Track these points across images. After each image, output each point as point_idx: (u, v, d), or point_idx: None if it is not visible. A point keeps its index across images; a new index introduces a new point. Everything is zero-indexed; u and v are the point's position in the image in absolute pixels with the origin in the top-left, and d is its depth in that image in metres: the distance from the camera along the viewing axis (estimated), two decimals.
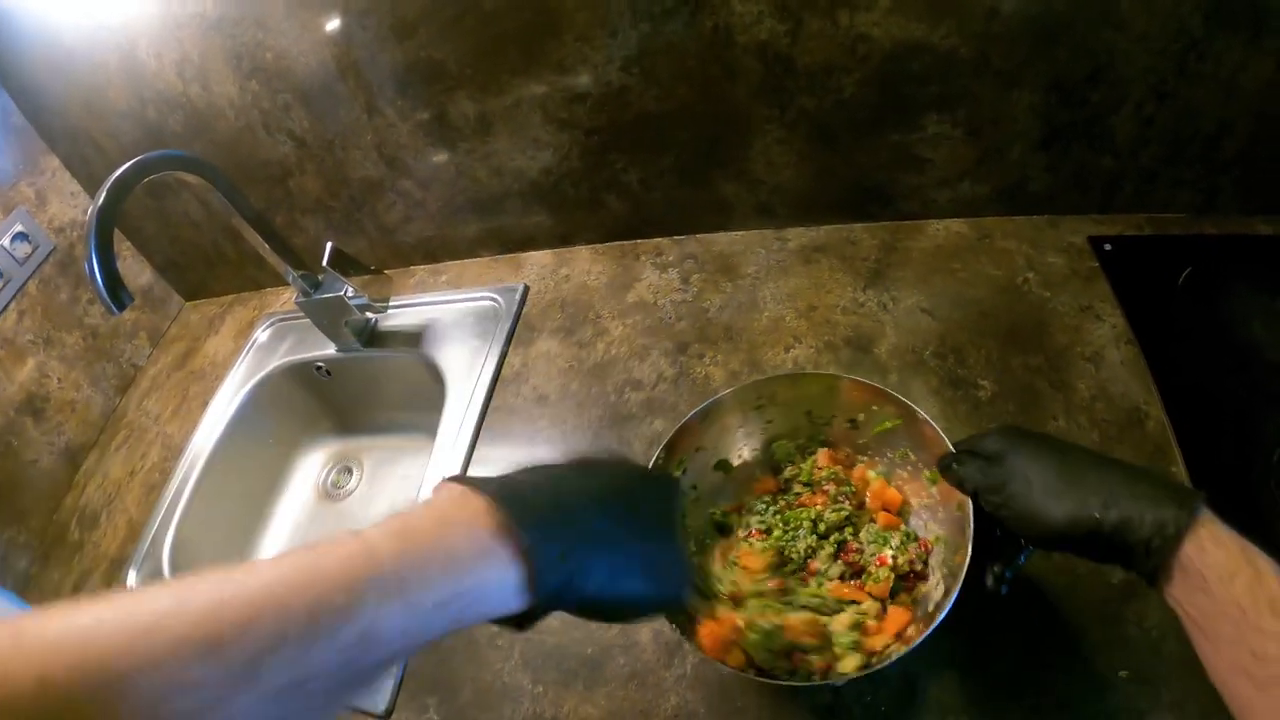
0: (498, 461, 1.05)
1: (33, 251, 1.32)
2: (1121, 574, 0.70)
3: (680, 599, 0.58)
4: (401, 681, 0.86)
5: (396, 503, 1.19)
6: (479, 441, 1.07)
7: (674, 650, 0.80)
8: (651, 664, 0.80)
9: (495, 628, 0.84)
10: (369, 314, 1.28)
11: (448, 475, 0.47)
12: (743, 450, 0.86)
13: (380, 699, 0.85)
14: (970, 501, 0.65)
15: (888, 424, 0.78)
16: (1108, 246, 1.01)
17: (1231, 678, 0.45)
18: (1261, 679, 0.43)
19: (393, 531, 0.40)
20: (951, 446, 0.69)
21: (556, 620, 0.83)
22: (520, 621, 0.46)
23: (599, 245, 1.31)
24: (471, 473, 1.04)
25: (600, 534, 0.48)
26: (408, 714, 0.84)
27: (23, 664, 0.29)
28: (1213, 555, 0.46)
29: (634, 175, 1.17)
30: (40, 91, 1.29)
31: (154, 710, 0.31)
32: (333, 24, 1.06)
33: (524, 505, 0.44)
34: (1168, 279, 0.95)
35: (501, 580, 0.42)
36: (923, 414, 0.74)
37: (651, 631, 0.81)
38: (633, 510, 0.52)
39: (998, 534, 0.63)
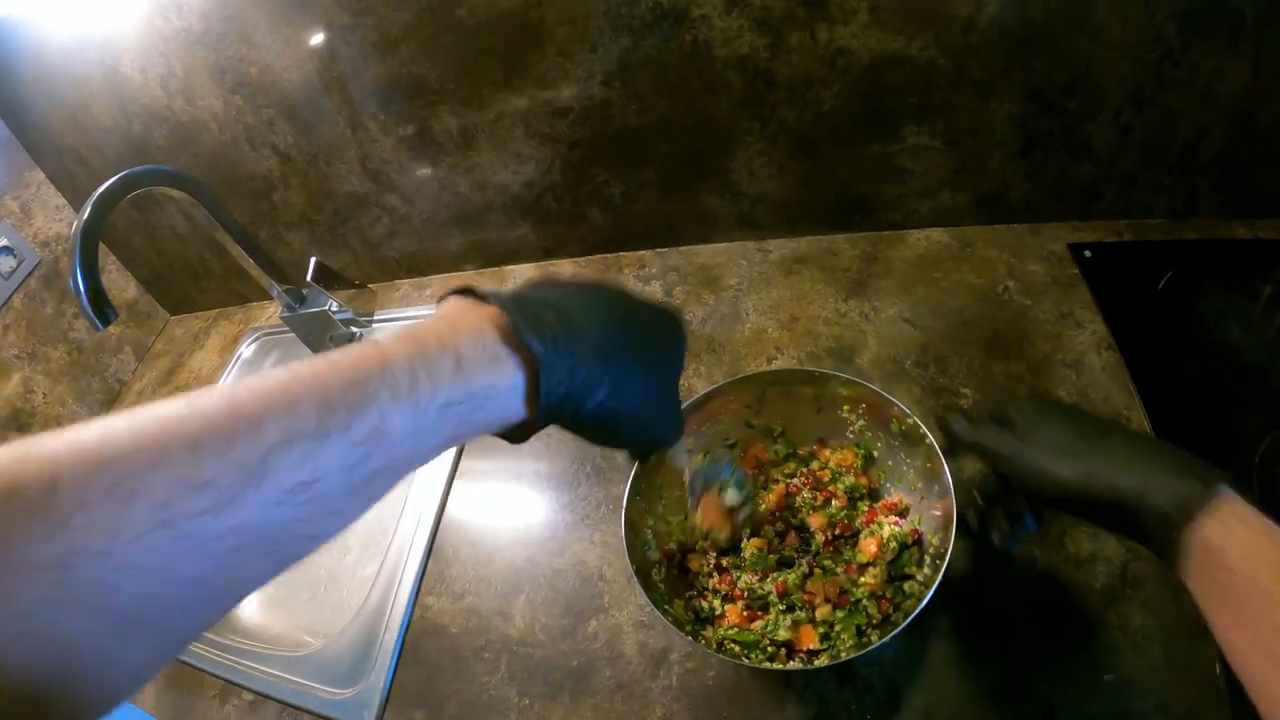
0: (483, 475, 1.05)
1: (18, 265, 1.32)
2: (1104, 578, 0.72)
3: (670, 437, 0.57)
4: (388, 696, 0.86)
5: (384, 514, 1.18)
6: (464, 455, 1.07)
7: (659, 661, 0.80)
8: (637, 675, 0.80)
9: (482, 641, 0.85)
10: (354, 328, 1.28)
11: (454, 287, 0.46)
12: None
13: (368, 714, 0.85)
14: (944, 460, 0.67)
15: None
16: (1087, 253, 1.02)
17: (1251, 655, 0.44)
18: None
19: (404, 338, 0.40)
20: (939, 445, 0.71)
21: (542, 633, 0.84)
22: (519, 434, 0.46)
23: (582, 258, 1.31)
24: (457, 487, 1.04)
25: (608, 349, 0.47)
26: None
27: (33, 472, 0.29)
28: (1236, 533, 0.46)
29: (616, 188, 1.18)
30: (25, 106, 1.29)
31: (165, 509, 0.30)
32: (316, 39, 1.07)
33: (532, 316, 0.44)
34: (1147, 284, 0.96)
35: (509, 385, 0.42)
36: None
37: (637, 644, 0.82)
38: (640, 334, 0.51)
39: (999, 490, 0.64)
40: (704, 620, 0.76)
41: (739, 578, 0.78)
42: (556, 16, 0.97)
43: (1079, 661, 0.69)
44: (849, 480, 0.81)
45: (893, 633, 0.63)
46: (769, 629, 0.73)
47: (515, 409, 0.43)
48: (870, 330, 1.02)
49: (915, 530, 0.76)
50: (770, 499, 0.82)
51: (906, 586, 0.73)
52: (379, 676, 0.88)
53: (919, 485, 0.77)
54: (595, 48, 0.99)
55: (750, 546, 0.79)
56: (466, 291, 0.45)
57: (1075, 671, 0.68)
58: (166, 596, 0.31)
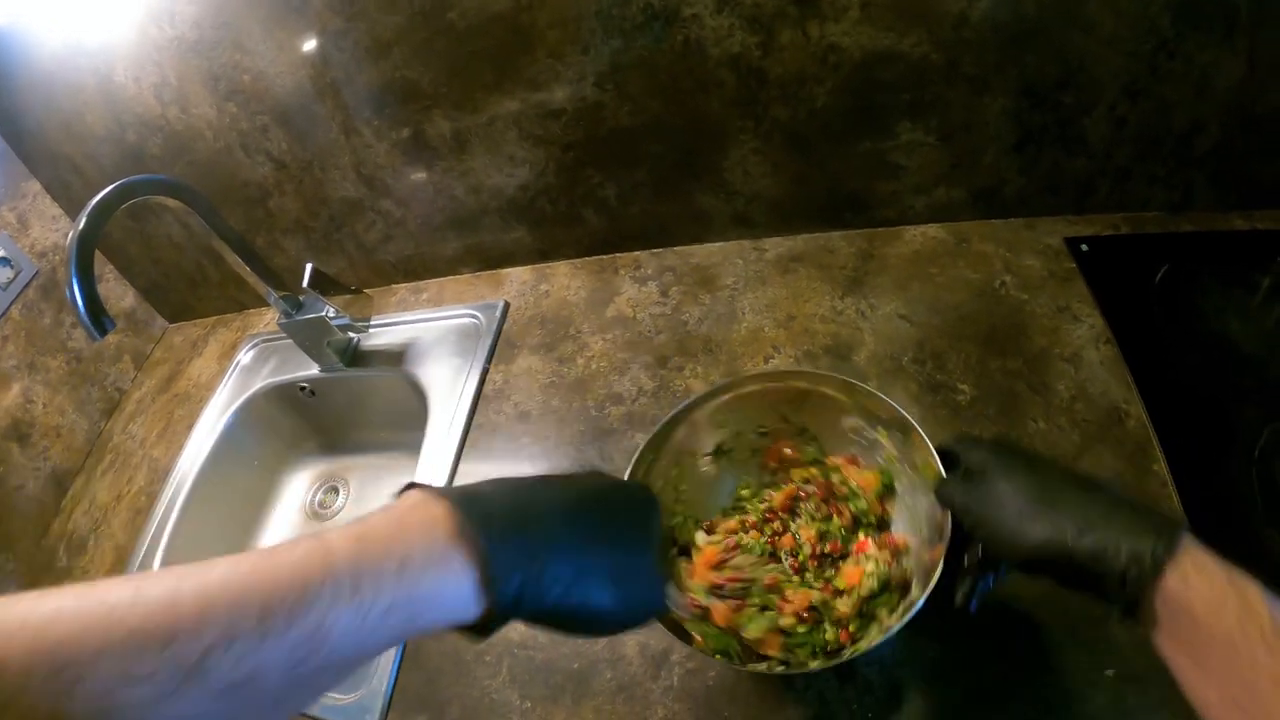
0: (481, 478, 1.04)
1: (15, 276, 1.32)
2: None
3: (652, 610, 0.56)
4: (390, 700, 0.86)
5: None
6: (462, 458, 1.07)
7: (660, 662, 0.80)
8: (638, 676, 0.79)
9: (483, 645, 0.85)
10: (351, 334, 1.28)
11: (409, 482, 0.47)
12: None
13: (370, 717, 0.85)
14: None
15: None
16: (1084, 247, 1.01)
17: (1223, 711, 0.43)
18: (1255, 713, 0.41)
19: (350, 534, 0.40)
20: (935, 450, 0.69)
21: (544, 636, 0.84)
22: (478, 630, 0.45)
23: (578, 260, 1.31)
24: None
25: (563, 540, 0.47)
26: None
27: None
28: (1198, 587, 0.45)
29: (611, 189, 1.18)
30: (19, 116, 1.29)
31: (106, 699, 0.31)
32: (309, 45, 1.07)
33: (483, 511, 0.44)
34: (1145, 277, 0.96)
35: (456, 586, 0.42)
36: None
37: (638, 645, 0.81)
38: (601, 519, 0.51)
39: (976, 552, 0.62)
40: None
41: (733, 560, 0.77)
42: (547, 19, 0.97)
43: (1080, 658, 0.68)
44: (861, 504, 0.78)
45: (828, 664, 0.65)
46: (743, 624, 0.71)
47: (465, 610, 0.43)
48: (867, 327, 1.02)
49: (905, 578, 0.72)
50: (777, 497, 0.81)
51: (871, 628, 0.70)
52: (381, 681, 0.88)
53: (925, 531, 0.73)
54: (587, 49, 0.99)
55: (751, 537, 0.79)
56: (422, 488, 0.46)
57: (1076, 668, 0.68)
58: None
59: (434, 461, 1.07)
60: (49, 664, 0.31)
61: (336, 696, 0.88)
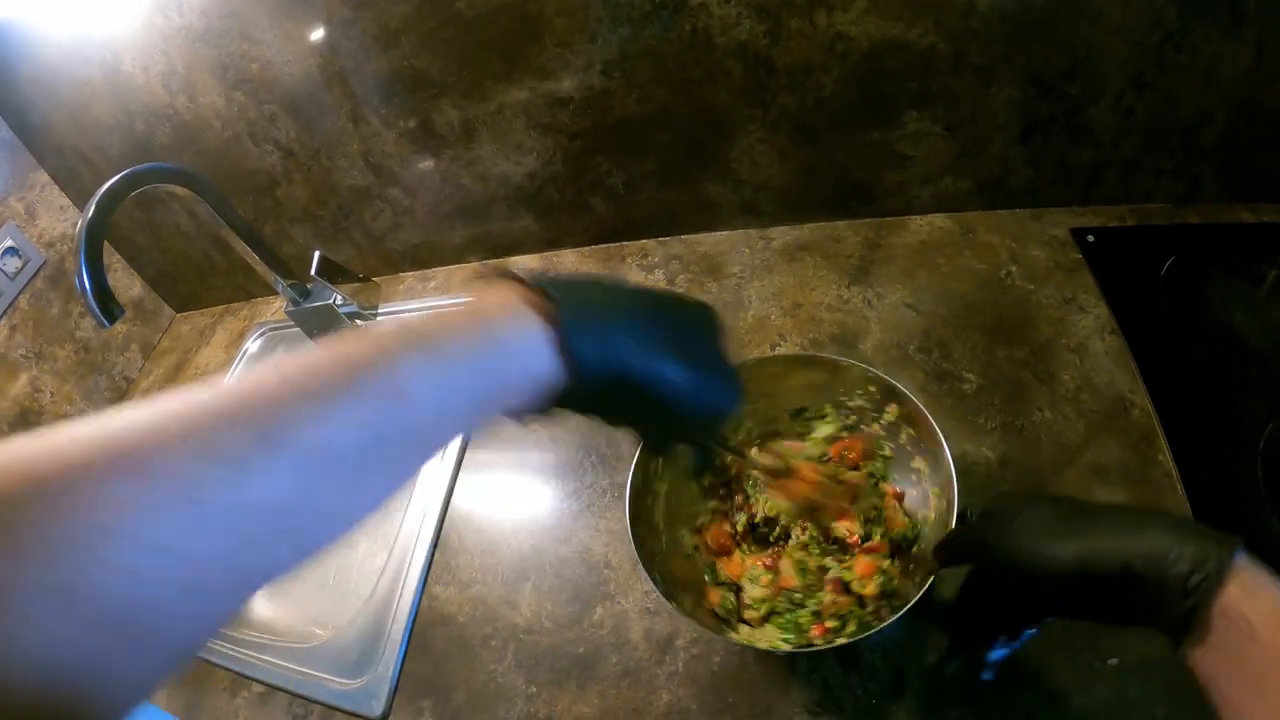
0: (488, 467, 1.05)
1: (23, 266, 1.33)
2: None
3: (727, 399, 0.52)
4: (397, 685, 0.87)
5: (391, 506, 1.19)
6: (468, 446, 1.08)
7: (665, 647, 0.80)
8: (644, 661, 0.80)
9: (489, 629, 0.85)
10: (359, 321, 1.28)
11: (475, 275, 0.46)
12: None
13: (376, 704, 0.85)
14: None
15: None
16: (1090, 238, 1.01)
17: None
18: None
19: (426, 314, 0.40)
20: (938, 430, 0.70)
21: (549, 621, 0.84)
22: (551, 401, 0.44)
23: (585, 248, 1.31)
24: (462, 478, 1.04)
25: (631, 313, 0.45)
26: (403, 717, 0.84)
27: (50, 455, 0.28)
28: (1259, 599, 0.41)
29: (618, 178, 1.18)
30: (27, 106, 1.30)
31: (182, 482, 0.30)
32: (317, 34, 1.07)
33: (552, 284, 0.43)
34: (1151, 269, 0.96)
35: (536, 342, 0.41)
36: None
37: (643, 630, 0.82)
38: (668, 307, 0.50)
39: (989, 615, 0.58)
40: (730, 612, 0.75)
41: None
42: (555, 7, 0.97)
43: (1083, 647, 0.68)
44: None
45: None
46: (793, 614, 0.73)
47: (545, 362, 0.41)
48: (873, 316, 1.02)
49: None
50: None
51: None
52: (387, 666, 0.88)
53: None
54: (594, 38, 0.99)
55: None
56: (489, 274, 0.45)
57: (1079, 657, 0.68)
58: (183, 583, 0.30)
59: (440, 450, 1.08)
60: (125, 457, 0.29)
61: (343, 682, 0.89)
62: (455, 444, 1.08)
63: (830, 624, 0.71)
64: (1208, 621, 0.42)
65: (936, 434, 0.71)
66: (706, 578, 0.78)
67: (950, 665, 0.62)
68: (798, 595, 0.74)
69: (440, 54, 1.05)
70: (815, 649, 0.70)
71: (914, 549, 0.73)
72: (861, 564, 0.74)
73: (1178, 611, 0.43)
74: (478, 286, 0.44)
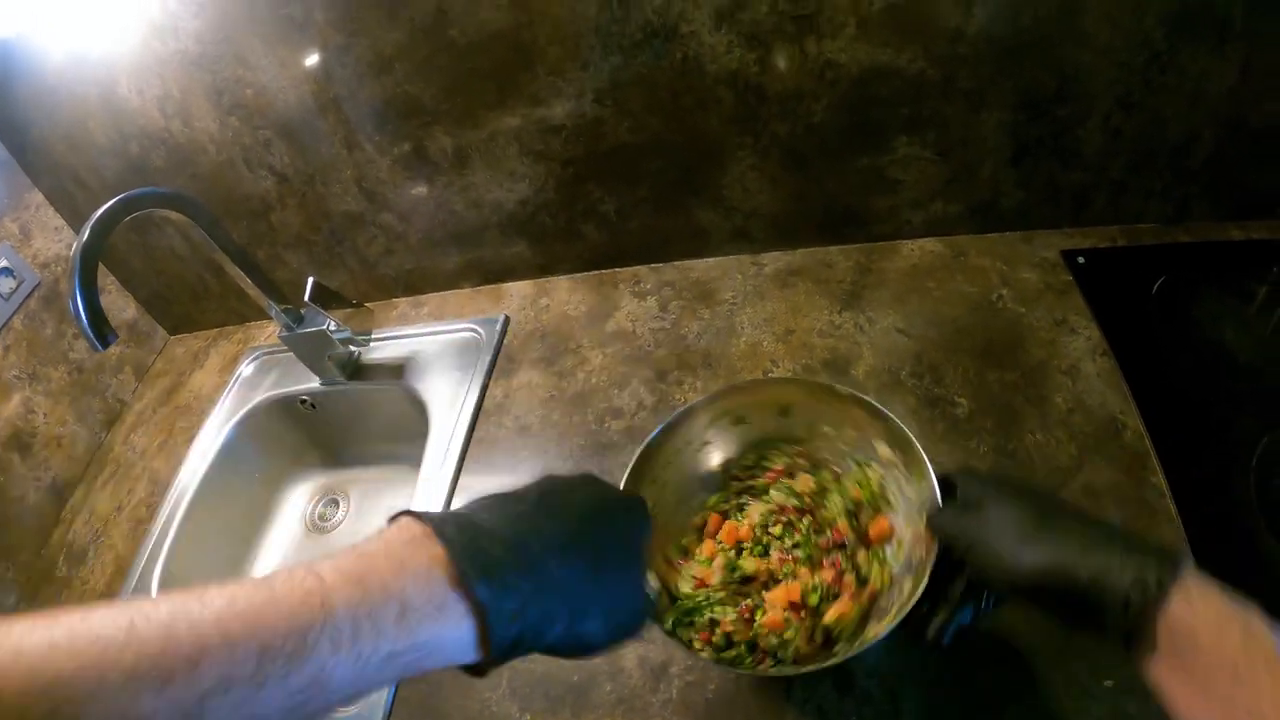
0: (481, 492, 1.04)
1: (17, 286, 1.32)
2: None
3: (638, 630, 0.56)
4: (390, 713, 0.86)
5: None
6: (463, 472, 1.07)
7: (659, 675, 0.80)
8: (638, 689, 0.80)
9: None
10: (352, 347, 1.29)
11: (403, 509, 0.46)
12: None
13: None
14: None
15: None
16: (1081, 259, 1.02)
17: None
18: None
19: (347, 574, 0.40)
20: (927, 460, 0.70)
21: None
22: (476, 670, 0.45)
23: (578, 275, 1.31)
24: (456, 500, 1.04)
25: (559, 582, 0.47)
26: None
27: None
28: (1202, 612, 0.44)
29: (610, 205, 1.18)
30: (23, 127, 1.30)
31: None
32: (311, 60, 1.08)
33: (481, 555, 0.43)
34: (1141, 289, 0.97)
35: (456, 634, 0.42)
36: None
37: (638, 658, 0.82)
38: (597, 546, 0.51)
39: (959, 585, 0.62)
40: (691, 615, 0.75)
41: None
42: (548, 36, 0.98)
43: (1078, 667, 0.68)
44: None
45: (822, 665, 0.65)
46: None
47: (464, 654, 0.43)
48: (865, 341, 1.02)
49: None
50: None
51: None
52: (380, 694, 0.88)
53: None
54: (586, 66, 1.00)
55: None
56: (418, 517, 0.45)
57: (1075, 678, 0.68)
58: None
59: (434, 475, 1.08)
60: (45, 703, 0.30)
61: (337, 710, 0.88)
62: (450, 471, 1.07)
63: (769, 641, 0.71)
64: (1154, 634, 0.45)
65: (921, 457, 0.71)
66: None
67: (930, 628, 0.63)
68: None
69: (433, 81, 1.06)
70: (808, 669, 0.69)
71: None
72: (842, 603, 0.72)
73: (1120, 625, 0.46)
74: (399, 543, 0.43)
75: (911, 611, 0.62)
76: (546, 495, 0.52)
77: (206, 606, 0.36)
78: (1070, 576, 0.49)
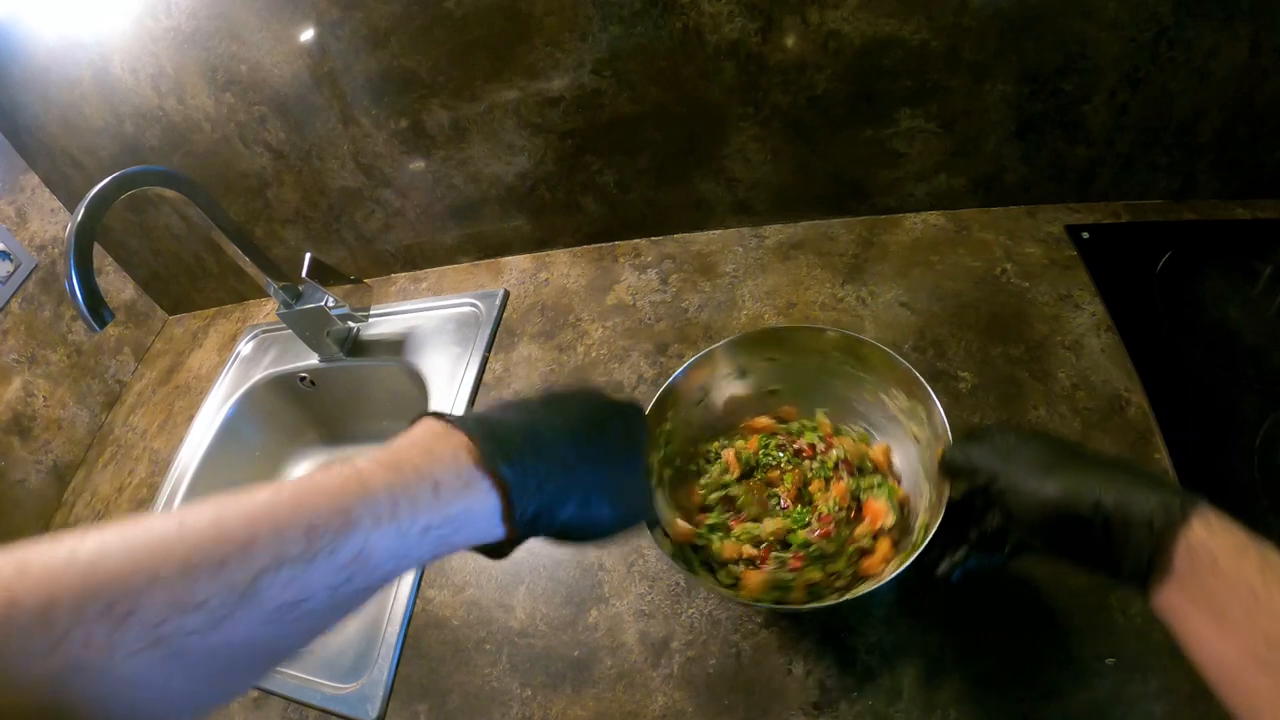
0: None
1: (14, 269, 1.32)
2: None
3: (642, 519, 0.62)
4: (392, 689, 0.86)
5: None
6: None
7: (661, 650, 0.80)
8: (639, 664, 0.80)
9: (483, 633, 0.85)
10: (351, 323, 1.28)
11: (426, 410, 0.50)
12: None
13: (371, 708, 0.85)
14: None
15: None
16: (1085, 235, 1.01)
17: (1241, 668, 0.42)
18: (1275, 665, 0.40)
19: (382, 463, 0.43)
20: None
21: (544, 624, 0.84)
22: (498, 550, 0.49)
23: (577, 248, 1.31)
24: None
25: (571, 466, 0.50)
26: None
27: (31, 587, 0.30)
28: (1222, 536, 0.45)
29: (610, 177, 1.17)
30: (16, 109, 1.29)
31: (159, 629, 0.32)
32: (306, 35, 1.06)
33: (501, 441, 0.47)
34: (1146, 266, 0.96)
35: (483, 507, 0.45)
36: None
37: (638, 633, 0.82)
38: (601, 441, 0.54)
39: (974, 531, 0.63)
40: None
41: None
42: (545, 6, 0.97)
43: (1080, 646, 0.68)
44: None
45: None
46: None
47: (492, 529, 0.46)
48: (867, 315, 1.01)
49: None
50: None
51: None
52: (382, 670, 0.88)
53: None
54: (585, 36, 0.99)
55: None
56: (439, 416, 0.49)
57: (1077, 656, 0.68)
58: (156, 706, 0.33)
59: None
60: (101, 599, 0.31)
61: (338, 686, 0.89)
62: None
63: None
64: (1172, 557, 0.46)
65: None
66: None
67: (941, 568, 0.64)
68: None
69: (430, 54, 1.05)
70: (799, 609, 0.72)
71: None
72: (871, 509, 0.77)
73: (1143, 549, 0.47)
74: (425, 436, 0.47)
75: (924, 552, 0.64)
76: (552, 399, 0.56)
77: (253, 500, 0.38)
78: (1096, 501, 0.50)
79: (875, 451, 0.82)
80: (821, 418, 0.86)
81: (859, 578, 0.73)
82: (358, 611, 0.41)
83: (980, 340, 0.94)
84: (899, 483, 0.79)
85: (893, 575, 0.65)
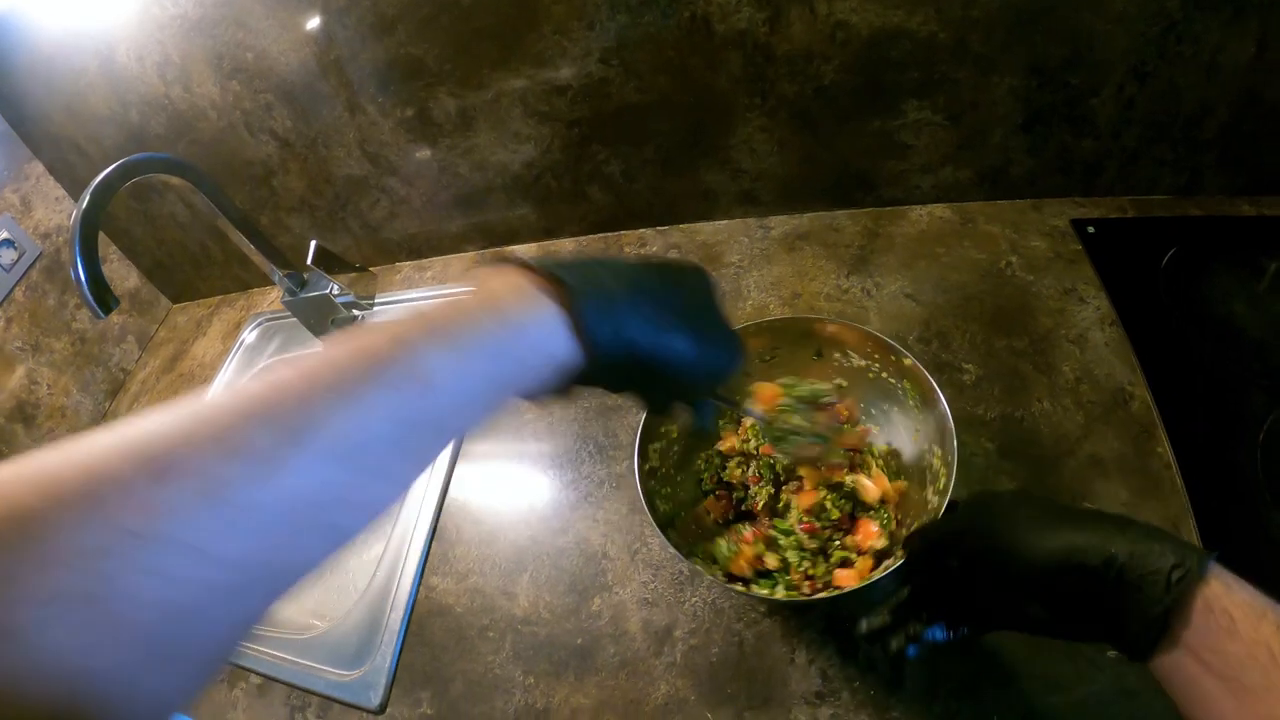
0: (485, 457, 1.05)
1: (19, 258, 1.32)
2: None
3: (732, 361, 0.54)
4: (394, 677, 0.87)
5: None
6: (465, 437, 1.07)
7: (664, 638, 0.80)
8: (641, 652, 0.80)
9: (486, 620, 0.85)
10: (355, 311, 1.28)
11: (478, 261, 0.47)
12: None
13: (374, 695, 0.85)
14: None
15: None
16: (1091, 229, 1.01)
17: None
18: None
19: (441, 304, 0.40)
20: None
21: (546, 611, 0.84)
22: (568, 381, 0.45)
23: (583, 237, 1.31)
24: (459, 469, 1.04)
25: (639, 292, 0.47)
26: (402, 708, 0.84)
27: (72, 465, 0.28)
28: (1239, 595, 0.42)
29: (616, 166, 1.17)
30: (22, 98, 1.29)
31: (205, 480, 0.29)
32: (313, 23, 1.06)
33: (562, 267, 0.44)
34: (1151, 260, 0.96)
35: (552, 327, 0.42)
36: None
37: (641, 621, 0.82)
38: (671, 282, 0.51)
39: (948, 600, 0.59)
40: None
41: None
42: None
43: None
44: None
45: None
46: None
47: (561, 344, 0.42)
48: (872, 306, 1.01)
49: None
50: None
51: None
52: (385, 657, 0.88)
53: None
54: (593, 25, 0.99)
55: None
56: (491, 261, 0.46)
57: (1078, 648, 0.68)
58: (215, 584, 0.30)
59: None
60: (141, 458, 0.29)
61: (341, 673, 0.89)
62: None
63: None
64: (1188, 617, 0.42)
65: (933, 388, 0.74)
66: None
67: (891, 639, 0.60)
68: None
69: (437, 42, 1.05)
70: (806, 600, 0.71)
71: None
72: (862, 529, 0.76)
73: (1158, 605, 0.43)
74: (483, 273, 0.44)
75: (875, 627, 0.62)
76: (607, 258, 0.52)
77: (308, 358, 0.35)
78: (1106, 552, 0.45)
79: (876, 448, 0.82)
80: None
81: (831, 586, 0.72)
82: (426, 462, 0.39)
83: (984, 332, 0.94)
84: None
85: (854, 587, 0.66)
